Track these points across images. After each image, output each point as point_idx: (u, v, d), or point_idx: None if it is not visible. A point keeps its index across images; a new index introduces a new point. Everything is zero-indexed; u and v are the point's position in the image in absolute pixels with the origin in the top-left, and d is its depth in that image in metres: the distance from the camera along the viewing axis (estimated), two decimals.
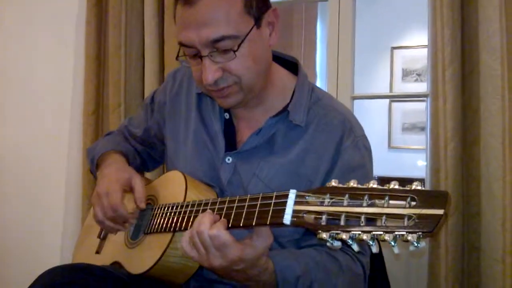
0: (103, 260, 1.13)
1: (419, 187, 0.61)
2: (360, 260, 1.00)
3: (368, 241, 0.62)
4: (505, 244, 1.44)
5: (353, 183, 0.67)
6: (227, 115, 1.09)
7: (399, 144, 4.20)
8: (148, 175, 1.44)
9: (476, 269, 1.53)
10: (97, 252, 1.18)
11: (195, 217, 0.90)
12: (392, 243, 0.59)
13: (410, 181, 0.64)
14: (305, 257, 0.94)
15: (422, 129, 4.05)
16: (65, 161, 2.17)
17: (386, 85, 4.23)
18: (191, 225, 0.90)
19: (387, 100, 4.19)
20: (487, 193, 1.49)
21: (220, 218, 0.85)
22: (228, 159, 1.05)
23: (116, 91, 1.96)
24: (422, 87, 3.99)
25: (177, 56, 0.97)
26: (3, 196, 2.31)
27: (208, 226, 0.81)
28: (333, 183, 0.70)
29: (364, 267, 1.01)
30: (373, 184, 0.65)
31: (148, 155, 1.31)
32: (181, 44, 0.93)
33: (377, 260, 1.18)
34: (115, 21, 1.97)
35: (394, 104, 4.21)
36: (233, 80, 0.94)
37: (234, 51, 0.90)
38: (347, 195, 0.67)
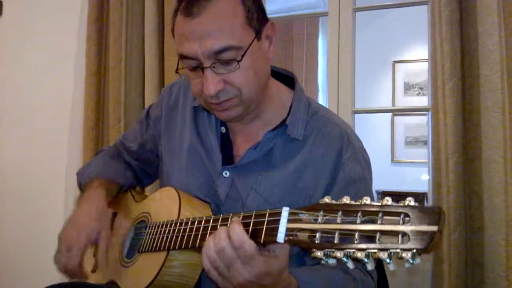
0: (99, 279, 1.12)
1: (412, 203, 0.60)
2: (369, 272, 0.99)
3: (363, 258, 0.60)
4: (509, 260, 1.41)
5: (346, 200, 0.66)
6: (223, 129, 1.09)
7: (402, 158, 4.18)
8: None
9: (480, 285, 1.50)
10: (93, 271, 1.17)
11: (189, 235, 0.89)
12: (388, 261, 0.58)
13: (412, 195, 0.63)
14: (324, 271, 0.92)
15: (425, 143, 4.03)
16: (64, 176, 2.17)
17: (388, 99, 4.22)
18: (185, 243, 0.89)
19: (390, 114, 4.19)
20: (489, 207, 1.47)
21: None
22: (226, 173, 1.04)
23: (116, 106, 1.97)
24: (424, 100, 3.98)
25: (177, 69, 0.97)
26: (2, 210, 2.31)
27: (227, 240, 0.75)
28: (326, 199, 0.69)
29: (374, 279, 1.01)
30: (366, 201, 0.64)
31: (142, 171, 1.30)
32: (182, 56, 0.93)
33: (380, 276, 1.16)
34: (116, 36, 1.98)
35: (397, 118, 4.20)
36: (234, 93, 0.94)
37: (238, 61, 0.89)
38: (340, 212, 0.66)
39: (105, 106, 2.05)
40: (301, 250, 0.99)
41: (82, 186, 1.20)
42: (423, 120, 3.93)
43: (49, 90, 2.25)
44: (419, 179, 3.78)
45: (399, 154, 4.20)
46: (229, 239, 0.75)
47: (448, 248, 1.49)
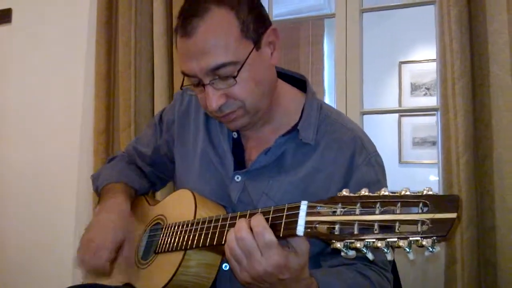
0: (114, 281, 1.12)
1: (430, 192, 0.61)
2: (385, 275, 0.99)
3: (383, 248, 0.61)
4: None
5: (364, 191, 0.67)
6: (235, 134, 1.10)
7: (410, 159, 4.16)
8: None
9: (493, 285, 1.49)
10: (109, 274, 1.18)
11: (206, 234, 0.90)
12: (407, 249, 0.59)
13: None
14: (341, 273, 0.93)
15: (433, 143, 4.02)
16: (75, 180, 2.19)
17: (395, 100, 4.22)
18: (203, 242, 0.90)
19: (397, 115, 4.18)
20: (501, 206, 1.47)
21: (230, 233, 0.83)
22: (237, 178, 1.04)
23: (126, 110, 1.98)
24: (431, 101, 3.97)
25: (182, 85, 1.00)
26: (14, 215, 2.33)
27: (247, 229, 0.76)
28: (344, 192, 0.70)
29: (390, 283, 1.01)
30: (385, 192, 0.65)
31: (155, 176, 1.31)
32: (184, 74, 0.95)
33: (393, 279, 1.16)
34: (125, 40, 2.00)
35: (404, 119, 4.19)
36: (237, 105, 0.95)
37: (234, 77, 0.90)
38: (359, 204, 0.66)
39: (115, 110, 2.07)
40: (317, 254, 1.00)
41: (100, 190, 1.21)
42: (430, 120, 3.92)
43: (59, 94, 2.27)
44: (427, 179, 3.77)
45: (406, 155, 4.19)
46: (250, 227, 0.76)
47: (461, 248, 1.49)
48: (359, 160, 1.00)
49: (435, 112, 1.72)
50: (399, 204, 0.62)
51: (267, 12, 1.03)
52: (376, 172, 1.02)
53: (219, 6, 0.91)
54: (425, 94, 4.14)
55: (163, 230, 1.05)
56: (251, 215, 0.83)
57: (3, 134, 2.39)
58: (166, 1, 1.96)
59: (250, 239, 0.76)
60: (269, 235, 0.75)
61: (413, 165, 4.13)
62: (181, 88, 1.01)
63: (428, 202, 0.59)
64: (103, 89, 2.06)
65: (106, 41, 2.07)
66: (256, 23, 0.94)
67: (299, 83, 1.12)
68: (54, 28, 2.30)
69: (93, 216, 1.14)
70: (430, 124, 3.96)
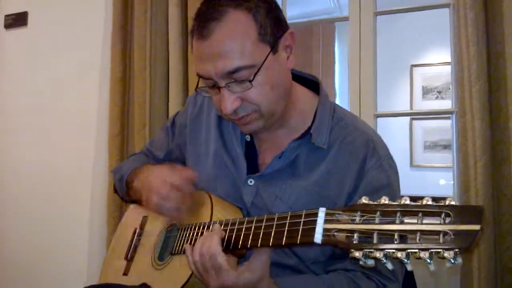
0: (131, 281, 1.12)
1: (453, 203, 0.60)
2: (387, 287, 0.96)
3: (403, 259, 0.60)
4: None
5: (384, 200, 0.66)
6: (248, 138, 1.09)
7: (422, 162, 4.13)
8: None
9: None
10: (125, 274, 1.18)
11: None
12: (428, 261, 0.58)
13: (439, 199, 0.63)
14: (319, 284, 0.92)
15: (445, 147, 3.98)
16: (90, 182, 2.20)
17: (406, 104, 4.19)
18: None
19: (408, 119, 4.15)
20: None
21: (247, 237, 0.85)
22: (251, 181, 1.04)
23: (141, 112, 1.99)
24: (443, 104, 3.94)
25: (197, 87, 0.99)
26: (29, 217, 2.35)
27: (201, 251, 0.87)
28: (364, 200, 0.69)
29: None
30: (405, 201, 0.64)
31: None
32: (199, 76, 0.94)
33: (409, 284, 1.14)
34: (140, 43, 2.01)
35: (415, 122, 4.16)
36: (252, 109, 0.94)
37: (250, 81, 0.90)
38: (378, 212, 0.66)
39: (129, 112, 2.08)
40: (327, 260, 1.00)
41: (125, 177, 1.22)
42: (442, 124, 3.88)
43: (74, 96, 2.29)
44: (438, 183, 3.74)
45: (418, 158, 4.16)
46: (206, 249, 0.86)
47: (478, 252, 1.47)
48: (370, 163, 0.99)
49: (448, 116, 1.70)
50: (420, 214, 0.61)
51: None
52: (387, 175, 1.00)
53: (236, 9, 0.90)
54: (436, 98, 4.11)
55: (180, 231, 1.06)
56: (268, 219, 0.84)
57: (18, 136, 2.42)
58: (181, 4, 1.96)
59: (206, 260, 0.86)
60: (219, 259, 0.84)
61: (424, 168, 4.10)
62: (196, 90, 1.00)
63: (450, 213, 0.58)
64: (118, 92, 2.07)
65: (121, 44, 2.08)
66: (274, 27, 0.92)
67: (311, 84, 1.10)
68: (70, 31, 2.32)
69: (137, 188, 1.14)
70: (441, 128, 3.93)
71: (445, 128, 3.85)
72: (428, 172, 4.07)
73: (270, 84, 0.92)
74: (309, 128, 1.02)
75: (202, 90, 0.98)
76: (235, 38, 0.88)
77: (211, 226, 0.92)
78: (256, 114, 0.95)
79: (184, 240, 1.02)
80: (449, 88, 3.84)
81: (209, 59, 0.89)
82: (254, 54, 0.89)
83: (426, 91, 4.17)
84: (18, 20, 2.42)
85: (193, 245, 0.96)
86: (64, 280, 2.21)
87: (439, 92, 4.11)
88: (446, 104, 3.92)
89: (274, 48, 0.92)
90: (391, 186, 1.00)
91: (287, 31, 0.96)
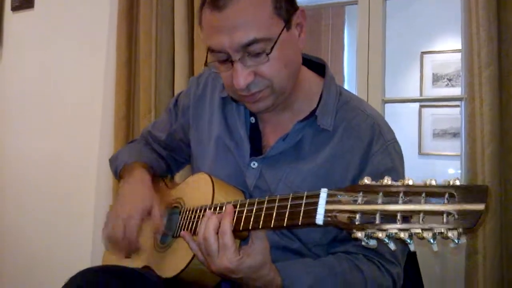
0: (133, 264, 1.13)
1: (457, 182, 0.59)
2: (389, 271, 0.96)
3: (406, 239, 0.60)
4: None
5: (386, 180, 0.65)
6: (252, 119, 1.08)
7: (430, 150, 4.10)
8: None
9: None
10: (127, 256, 1.19)
11: None
12: (431, 241, 0.57)
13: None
14: (319, 267, 0.92)
15: (454, 135, 3.94)
16: (95, 165, 2.21)
17: (416, 91, 4.14)
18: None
19: (417, 106, 4.10)
20: None
21: (249, 219, 0.84)
22: (254, 164, 1.03)
23: (146, 97, 2.00)
24: (453, 92, 3.89)
25: (205, 62, 0.96)
26: (34, 201, 2.37)
27: (214, 233, 0.85)
28: (366, 180, 0.68)
29: (395, 279, 0.97)
30: (409, 181, 0.63)
31: (172, 159, 1.30)
32: (211, 50, 0.92)
33: (411, 270, 1.13)
34: (146, 28, 2.01)
35: (424, 110, 4.12)
36: (265, 84, 0.92)
37: (267, 54, 0.88)
38: (381, 193, 0.65)
39: (135, 96, 2.08)
40: (329, 243, 0.99)
41: (119, 171, 1.22)
42: (451, 111, 3.84)
43: (80, 80, 2.29)
44: (446, 172, 3.71)
45: (426, 146, 4.12)
46: (217, 231, 0.84)
47: (483, 239, 1.47)
48: (375, 148, 0.98)
49: (458, 103, 1.68)
50: (423, 194, 0.60)
51: None
52: (392, 159, 0.99)
53: None
54: (447, 85, 4.06)
55: (181, 214, 1.06)
56: (269, 201, 0.83)
57: (24, 119, 2.43)
58: None
59: (212, 241, 0.84)
60: (227, 239, 0.83)
61: (433, 156, 4.07)
62: (205, 65, 0.97)
63: (454, 193, 0.57)
64: (124, 76, 2.08)
65: (127, 29, 2.08)
66: (287, 2, 0.92)
67: (317, 67, 1.09)
68: (76, 15, 2.31)
69: (117, 194, 1.14)
70: (451, 116, 3.89)
71: (455, 116, 3.80)
72: (437, 160, 4.04)
73: (283, 60, 0.91)
74: (314, 110, 1.01)
75: (212, 65, 0.96)
76: (252, 10, 0.87)
77: (223, 207, 0.91)
78: (268, 91, 0.93)
79: (186, 222, 1.02)
80: (460, 76, 3.78)
81: (224, 31, 0.87)
82: (270, 27, 0.88)
83: (436, 79, 4.12)
84: (24, 2, 2.42)
85: (194, 228, 0.97)
86: (68, 272, 2.23)
87: (450, 80, 4.06)
88: (457, 91, 3.87)
89: (287, 24, 0.91)
90: (396, 170, 0.99)
91: (298, 9, 0.95)
